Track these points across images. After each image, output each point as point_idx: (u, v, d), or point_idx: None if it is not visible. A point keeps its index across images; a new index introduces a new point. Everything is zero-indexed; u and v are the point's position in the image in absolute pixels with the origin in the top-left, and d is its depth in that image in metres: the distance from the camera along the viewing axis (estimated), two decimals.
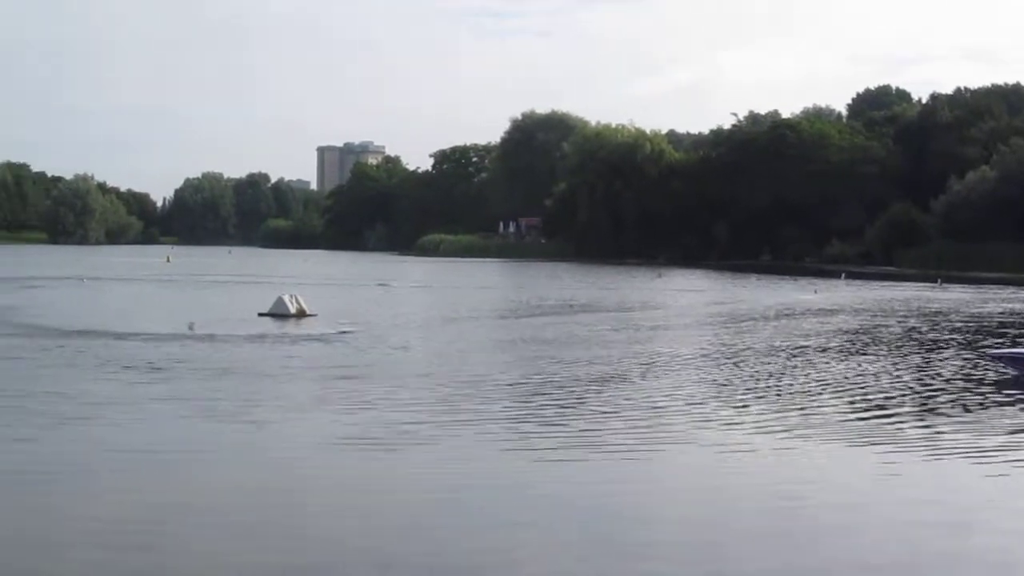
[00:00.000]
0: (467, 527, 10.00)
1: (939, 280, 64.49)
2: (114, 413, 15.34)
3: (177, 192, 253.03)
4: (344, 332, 28.20)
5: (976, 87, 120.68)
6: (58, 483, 11.41)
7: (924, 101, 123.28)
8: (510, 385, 18.87)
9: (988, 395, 18.67)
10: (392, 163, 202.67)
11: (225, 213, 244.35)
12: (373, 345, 25.55)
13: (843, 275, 73.28)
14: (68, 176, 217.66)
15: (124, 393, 17.08)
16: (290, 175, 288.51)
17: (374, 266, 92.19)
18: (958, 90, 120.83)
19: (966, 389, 19.33)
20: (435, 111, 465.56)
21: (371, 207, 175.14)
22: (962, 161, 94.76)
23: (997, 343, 27.39)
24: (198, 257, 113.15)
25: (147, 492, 11.14)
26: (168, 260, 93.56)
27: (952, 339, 29.34)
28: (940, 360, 23.90)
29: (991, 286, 61.12)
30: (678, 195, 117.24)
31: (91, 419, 14.90)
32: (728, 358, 23.59)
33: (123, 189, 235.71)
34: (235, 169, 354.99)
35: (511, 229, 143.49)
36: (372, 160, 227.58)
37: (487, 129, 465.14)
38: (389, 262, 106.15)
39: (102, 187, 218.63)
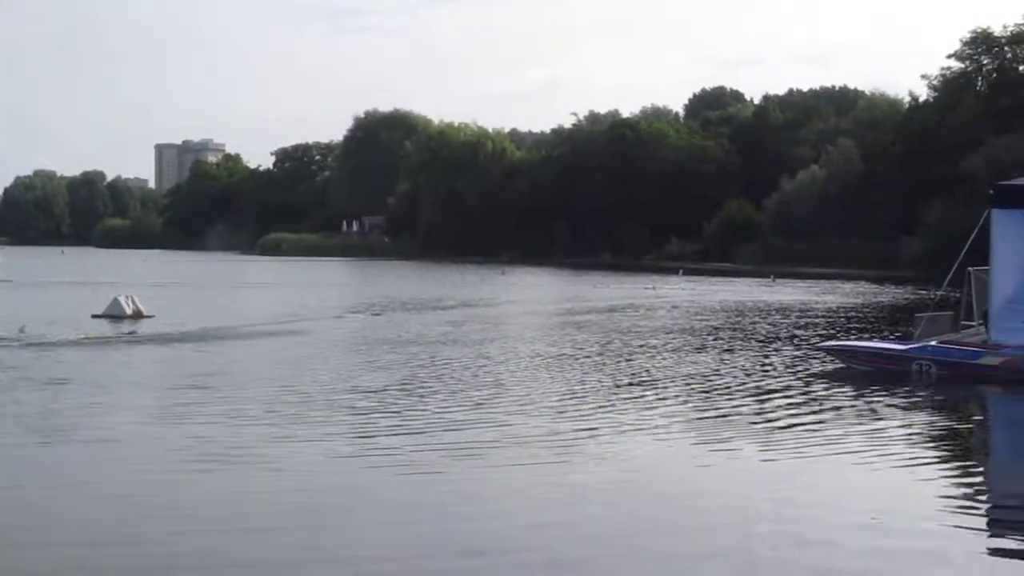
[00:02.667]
0: (324, 538, 9.90)
1: (772, 276, 66.47)
2: None
3: (7, 191, 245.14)
4: (185, 333, 27.75)
5: (807, 89, 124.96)
6: None
7: (757, 102, 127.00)
8: (368, 391, 18.38)
9: (816, 386, 19.34)
10: (232, 161, 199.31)
11: (59, 212, 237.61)
12: (217, 348, 25.16)
13: (680, 271, 75.17)
14: None
15: None
16: (127, 173, 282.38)
17: (216, 266, 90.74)
18: (790, 91, 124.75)
19: (797, 380, 20.01)
20: (277, 109, 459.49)
21: (211, 206, 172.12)
22: (793, 160, 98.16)
23: (826, 336, 28.42)
24: (30, 258, 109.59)
25: None
26: None
27: (785, 333, 30.31)
28: (774, 353, 24.67)
29: (820, 281, 63.32)
30: (520, 194, 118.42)
31: None
32: (573, 356, 23.94)
33: None
34: (69, 167, 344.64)
35: (354, 228, 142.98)
36: (212, 158, 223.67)
37: (331, 128, 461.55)
38: (230, 262, 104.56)
39: None
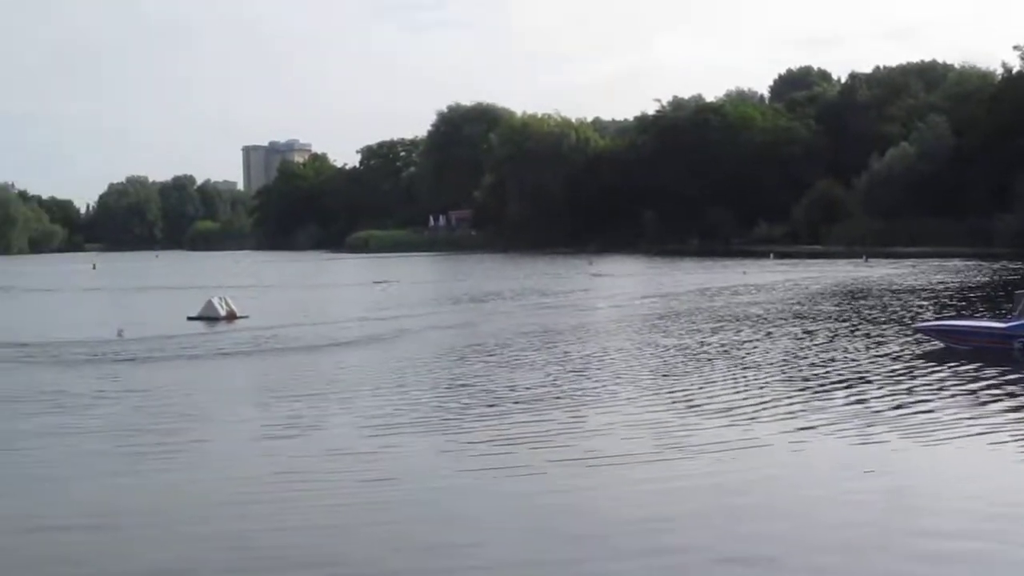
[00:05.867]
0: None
1: (864, 256, 65.53)
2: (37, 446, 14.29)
3: (101, 197, 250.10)
4: (282, 337, 27.70)
5: (894, 65, 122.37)
6: None
7: (844, 81, 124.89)
8: (463, 391, 18.28)
9: (917, 367, 18.97)
10: (319, 160, 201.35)
11: (151, 217, 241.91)
12: (309, 350, 25.10)
13: (771, 255, 74.45)
14: None
15: (54, 423, 15.90)
16: (216, 176, 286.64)
17: (306, 265, 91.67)
18: (877, 69, 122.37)
19: (897, 362, 19.66)
20: (360, 107, 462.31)
21: (299, 205, 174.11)
22: (882, 138, 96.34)
23: (924, 316, 27.90)
24: (125, 263, 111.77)
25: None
26: (95, 267, 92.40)
27: (883, 314, 29.83)
28: (874, 335, 24.32)
29: (913, 260, 62.23)
30: (606, 183, 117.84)
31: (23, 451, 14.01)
32: (693, 348, 23.79)
33: (45, 196, 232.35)
34: (160, 172, 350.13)
35: (441, 223, 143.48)
36: (298, 158, 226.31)
37: (414, 123, 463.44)
38: (320, 260, 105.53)
39: (23, 195, 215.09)
